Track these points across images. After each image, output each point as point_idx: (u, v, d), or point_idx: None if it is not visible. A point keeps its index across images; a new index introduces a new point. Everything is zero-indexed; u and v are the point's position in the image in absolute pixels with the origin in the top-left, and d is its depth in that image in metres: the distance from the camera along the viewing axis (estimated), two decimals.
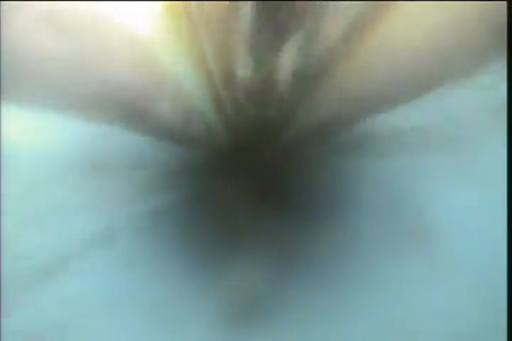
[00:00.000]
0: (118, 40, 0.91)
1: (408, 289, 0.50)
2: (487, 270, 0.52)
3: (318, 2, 0.94)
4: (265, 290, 0.51)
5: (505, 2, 0.67)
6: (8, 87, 0.71)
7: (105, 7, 0.84)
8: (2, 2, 0.63)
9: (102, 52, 0.92)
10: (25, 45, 0.72)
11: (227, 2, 0.97)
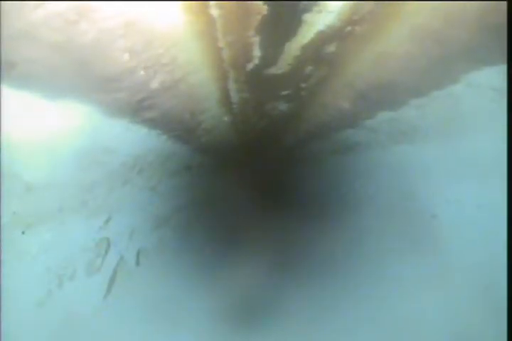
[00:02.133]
0: (132, 34, 0.92)
1: (409, 288, 0.51)
2: (488, 269, 0.53)
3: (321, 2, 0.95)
4: (267, 289, 0.51)
5: (505, 2, 0.68)
6: (8, 72, 0.71)
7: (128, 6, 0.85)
8: (2, 2, 0.63)
9: (113, 46, 0.93)
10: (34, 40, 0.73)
11: (243, 2, 0.99)
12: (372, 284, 1.59)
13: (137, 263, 2.39)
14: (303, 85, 2.19)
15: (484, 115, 1.63)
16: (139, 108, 1.54)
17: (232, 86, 1.98)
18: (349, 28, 1.51)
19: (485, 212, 1.42)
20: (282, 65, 1.85)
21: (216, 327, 1.89)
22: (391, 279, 1.54)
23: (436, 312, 1.30)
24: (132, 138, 1.75)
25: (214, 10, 1.25)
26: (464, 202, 1.59)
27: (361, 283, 1.62)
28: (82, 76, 1.12)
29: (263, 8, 1.28)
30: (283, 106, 2.52)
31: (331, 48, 1.72)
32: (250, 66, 1.81)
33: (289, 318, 1.70)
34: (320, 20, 1.45)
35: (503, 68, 1.51)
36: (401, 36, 1.52)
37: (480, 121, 1.65)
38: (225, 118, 2.52)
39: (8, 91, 1.08)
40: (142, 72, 1.20)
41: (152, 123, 1.77)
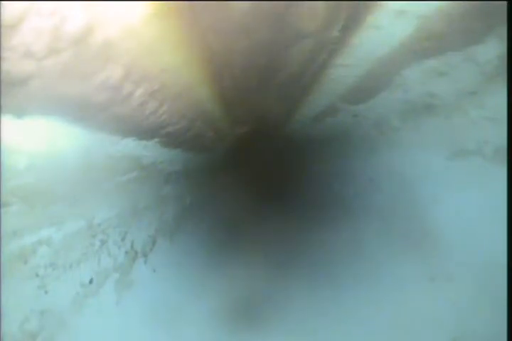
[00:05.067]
0: (115, 46, 0.88)
1: (409, 288, 0.50)
2: (487, 272, 0.52)
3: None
4: (266, 290, 0.51)
5: (505, 2, 0.66)
6: (6, 96, 0.69)
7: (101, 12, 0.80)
8: (2, 2, 0.60)
9: (98, 60, 0.89)
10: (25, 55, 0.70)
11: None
12: (372, 284, 1.59)
13: (136, 266, 2.41)
14: (295, 82, 2.15)
15: (483, 122, 1.60)
16: (131, 117, 1.50)
17: (221, 85, 1.95)
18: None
19: (485, 213, 1.41)
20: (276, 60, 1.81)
21: (216, 328, 1.91)
22: (391, 280, 1.55)
23: (436, 312, 1.31)
24: (126, 144, 1.73)
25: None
26: (464, 203, 1.58)
27: (361, 285, 1.63)
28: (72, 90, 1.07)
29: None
30: (275, 105, 2.48)
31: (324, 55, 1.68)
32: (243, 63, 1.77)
33: (289, 319, 1.72)
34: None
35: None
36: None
37: (479, 127, 1.63)
38: (217, 119, 2.48)
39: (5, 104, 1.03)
40: (129, 84, 1.17)
41: (144, 128, 1.74)
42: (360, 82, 1.99)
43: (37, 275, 1.75)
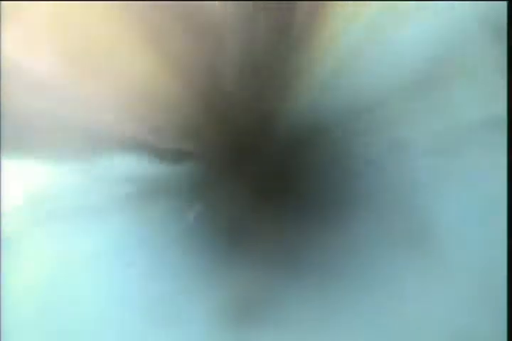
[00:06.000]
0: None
1: (408, 291, 0.50)
2: (487, 270, 0.52)
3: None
4: (265, 291, 0.51)
5: (505, 2, 0.67)
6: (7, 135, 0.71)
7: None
8: (2, 2, 0.63)
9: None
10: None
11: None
12: (372, 287, 1.57)
13: (136, 264, 2.40)
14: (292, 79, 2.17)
15: (484, 123, 1.59)
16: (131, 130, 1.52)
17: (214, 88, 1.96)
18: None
19: (485, 212, 1.39)
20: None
21: (215, 328, 1.89)
22: (391, 281, 1.52)
23: (436, 313, 1.29)
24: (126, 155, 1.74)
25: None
26: (464, 203, 1.56)
27: (361, 286, 1.60)
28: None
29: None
30: (270, 105, 2.48)
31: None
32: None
33: (289, 320, 1.69)
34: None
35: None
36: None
37: (480, 128, 1.62)
38: (211, 122, 2.49)
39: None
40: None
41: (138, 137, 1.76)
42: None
43: None
